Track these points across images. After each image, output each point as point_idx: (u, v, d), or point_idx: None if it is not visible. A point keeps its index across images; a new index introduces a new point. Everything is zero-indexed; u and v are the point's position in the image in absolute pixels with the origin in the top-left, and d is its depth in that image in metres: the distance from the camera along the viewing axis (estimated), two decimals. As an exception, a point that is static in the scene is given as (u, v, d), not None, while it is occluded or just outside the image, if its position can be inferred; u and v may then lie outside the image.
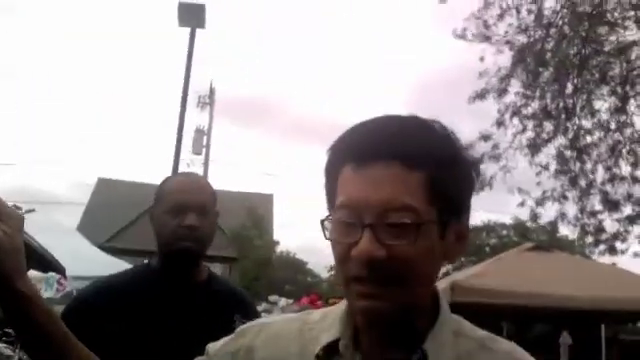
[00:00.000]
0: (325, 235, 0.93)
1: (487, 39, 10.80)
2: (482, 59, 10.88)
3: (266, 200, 30.05)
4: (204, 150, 22.72)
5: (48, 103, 65.93)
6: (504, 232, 34.57)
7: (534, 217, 11.83)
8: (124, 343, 1.70)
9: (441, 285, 8.67)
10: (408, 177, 0.87)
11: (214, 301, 1.90)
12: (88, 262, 8.85)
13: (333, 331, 0.97)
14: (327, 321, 1.01)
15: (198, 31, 12.62)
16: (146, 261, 2.03)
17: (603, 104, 10.90)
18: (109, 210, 29.91)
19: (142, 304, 1.83)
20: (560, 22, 10.53)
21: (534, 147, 11.10)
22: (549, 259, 8.49)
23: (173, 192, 1.91)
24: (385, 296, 0.87)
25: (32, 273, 6.31)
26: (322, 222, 0.94)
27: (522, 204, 11.56)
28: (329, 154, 0.97)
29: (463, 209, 0.95)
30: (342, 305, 1.00)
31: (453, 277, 10.09)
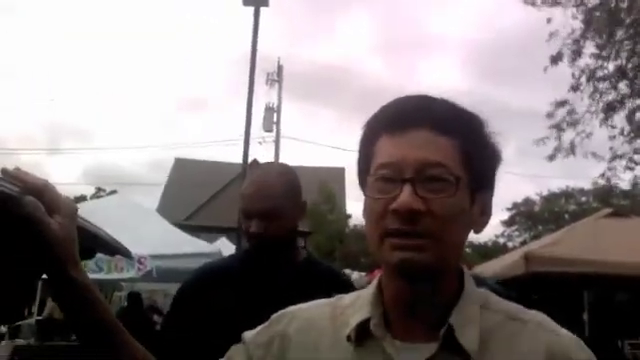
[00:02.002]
0: (364, 192, 0.99)
1: (557, 4, 10.46)
2: (549, 20, 10.56)
3: (338, 174, 30.11)
4: (275, 127, 22.92)
5: (126, 88, 67.98)
6: (583, 198, 33.47)
7: (609, 185, 11.56)
8: (223, 318, 1.82)
9: (516, 255, 8.55)
10: (442, 141, 0.95)
11: (309, 281, 1.94)
12: (167, 241, 9.15)
13: (363, 312, 1.00)
14: (357, 304, 1.03)
15: (263, 9, 12.70)
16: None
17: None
18: (186, 189, 30.69)
19: (241, 284, 1.95)
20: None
21: (609, 110, 10.73)
22: (627, 225, 8.16)
23: (243, 196, 1.98)
24: (420, 248, 0.91)
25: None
26: (361, 180, 1.01)
27: (603, 175, 11.29)
28: (364, 129, 1.02)
29: (489, 183, 1.01)
30: (372, 287, 1.03)
31: (528, 246, 9.93)
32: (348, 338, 0.99)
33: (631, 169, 11.20)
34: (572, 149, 11.13)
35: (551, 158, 11.36)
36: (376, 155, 0.98)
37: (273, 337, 1.06)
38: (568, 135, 11.13)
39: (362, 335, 0.98)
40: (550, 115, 11.17)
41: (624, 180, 11.99)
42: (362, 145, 1.02)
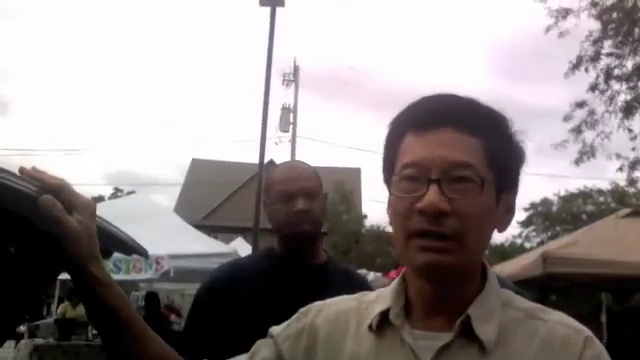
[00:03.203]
0: (389, 190, 0.99)
1: (569, 12, 10.44)
2: (565, 16, 10.51)
3: (354, 174, 30.11)
4: (291, 127, 22.94)
5: (142, 89, 68.39)
6: (601, 199, 33.10)
7: (631, 182, 11.39)
8: (245, 325, 1.77)
9: (533, 256, 8.48)
10: (468, 141, 0.95)
11: (332, 283, 1.94)
12: (184, 241, 9.19)
13: (385, 302, 1.02)
14: (381, 297, 1.05)
15: (279, 9, 12.71)
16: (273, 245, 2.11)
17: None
18: (203, 189, 30.84)
19: (264, 287, 1.94)
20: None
21: (628, 110, 10.61)
22: (647, 225, 8.08)
23: (279, 182, 2.00)
24: (445, 250, 0.91)
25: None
26: (386, 178, 1.02)
27: (620, 169, 11.14)
28: (390, 127, 1.03)
29: (514, 182, 1.01)
30: (396, 281, 1.05)
31: (546, 247, 9.85)
32: (370, 327, 1.01)
33: None
34: (592, 152, 11.01)
35: (577, 162, 11.25)
36: (402, 154, 0.98)
37: (302, 329, 1.07)
38: (588, 136, 11.03)
39: (383, 324, 1.00)
40: (568, 117, 11.06)
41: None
42: (387, 144, 1.03)
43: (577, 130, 11.06)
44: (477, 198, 0.92)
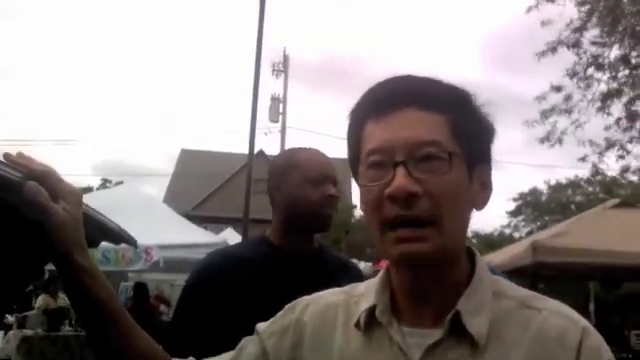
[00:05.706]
0: (358, 182, 0.96)
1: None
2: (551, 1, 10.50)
3: (344, 164, 29.82)
4: (280, 118, 22.86)
5: (132, 80, 68.03)
6: (590, 189, 33.24)
7: (595, 172, 11.46)
8: (242, 312, 1.73)
9: (523, 245, 8.53)
10: (430, 118, 0.91)
11: (327, 269, 1.94)
12: (174, 232, 9.17)
13: (370, 299, 0.98)
14: (369, 290, 1.01)
15: (269, -1, 12.65)
16: (266, 232, 2.06)
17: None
18: (192, 180, 30.77)
19: (263, 275, 1.90)
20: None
21: (607, 98, 10.64)
22: (635, 215, 8.16)
23: (316, 163, 1.98)
24: (422, 238, 0.87)
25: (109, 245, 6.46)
26: (354, 171, 0.98)
27: (583, 159, 11.18)
28: (350, 117, 1.00)
29: (485, 155, 0.97)
30: (380, 275, 1.01)
31: (535, 236, 9.90)
32: (357, 325, 0.97)
33: (622, 157, 11.10)
34: (559, 139, 11.04)
35: (542, 141, 11.26)
36: (365, 142, 0.94)
37: (288, 325, 1.04)
38: (562, 122, 11.06)
39: (370, 321, 0.96)
40: (540, 98, 11.04)
41: (611, 169, 11.91)
42: (350, 134, 0.99)
43: (546, 115, 11.02)
44: (447, 175, 0.88)
